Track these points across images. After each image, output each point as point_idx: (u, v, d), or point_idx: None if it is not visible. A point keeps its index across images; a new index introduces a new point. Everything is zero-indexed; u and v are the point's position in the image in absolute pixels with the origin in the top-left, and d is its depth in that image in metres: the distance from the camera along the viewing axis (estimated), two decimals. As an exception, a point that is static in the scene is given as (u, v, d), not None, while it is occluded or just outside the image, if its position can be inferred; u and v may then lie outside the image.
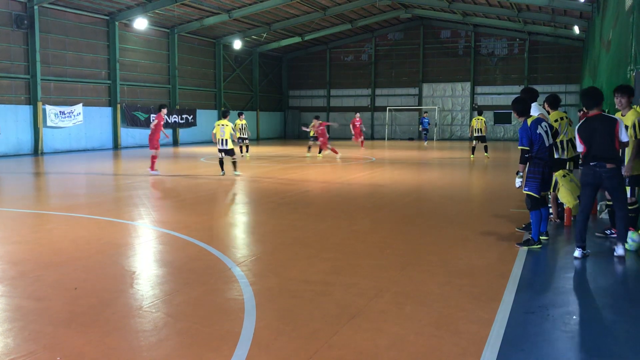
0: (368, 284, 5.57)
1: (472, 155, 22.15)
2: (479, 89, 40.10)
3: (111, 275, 6.00)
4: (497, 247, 7.22)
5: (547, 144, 7.15)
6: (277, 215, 9.83)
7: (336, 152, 22.25)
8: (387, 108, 41.55)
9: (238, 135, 21.99)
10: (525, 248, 7.05)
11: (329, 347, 4.05)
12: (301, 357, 3.87)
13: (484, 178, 16.23)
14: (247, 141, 23.34)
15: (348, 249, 7.13)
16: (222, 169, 15.99)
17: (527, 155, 7.12)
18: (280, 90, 45.04)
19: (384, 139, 41.15)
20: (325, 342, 4.13)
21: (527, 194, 7.21)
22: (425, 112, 37.80)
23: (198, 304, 5.03)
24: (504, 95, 39.28)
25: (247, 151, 23.29)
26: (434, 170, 18.46)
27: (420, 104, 41.12)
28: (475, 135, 21.78)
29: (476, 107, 39.68)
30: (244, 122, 22.98)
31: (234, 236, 8.27)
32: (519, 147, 7.16)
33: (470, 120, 38.21)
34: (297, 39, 39.19)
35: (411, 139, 40.05)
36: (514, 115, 7.42)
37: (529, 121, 7.16)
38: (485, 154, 22.08)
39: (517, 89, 38.83)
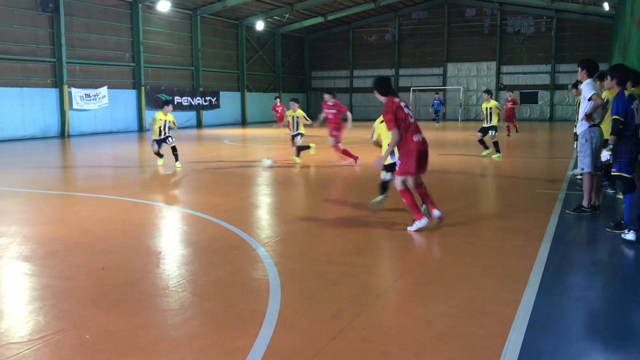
0: (392, 265, 5.55)
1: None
2: (504, 69, 39.47)
3: (137, 256, 6.07)
4: (524, 229, 7.13)
5: (636, 122, 6.65)
6: (301, 196, 9.84)
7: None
8: (411, 88, 41.15)
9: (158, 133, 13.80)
10: (571, 216, 6.92)
11: (353, 327, 4.05)
12: (325, 337, 3.88)
13: (509, 159, 16.01)
14: (170, 140, 13.71)
15: (372, 230, 7.10)
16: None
17: (621, 127, 6.55)
18: (302, 72, 44.87)
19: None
20: (350, 323, 4.13)
21: (617, 176, 6.63)
22: (437, 92, 36.94)
23: (223, 283, 5.07)
24: (530, 74, 38.62)
25: (176, 160, 13.71)
26: (458, 150, 18.26)
27: (444, 84, 40.64)
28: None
29: (502, 86, 39.10)
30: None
31: (258, 217, 8.30)
32: (613, 117, 6.61)
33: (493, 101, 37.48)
34: (319, 19, 38.90)
35: (435, 119, 39.70)
36: (607, 83, 6.93)
37: (626, 93, 6.68)
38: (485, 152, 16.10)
39: (544, 67, 38.17)
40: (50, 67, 24.83)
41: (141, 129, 29.28)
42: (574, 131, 10.82)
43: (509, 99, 25.35)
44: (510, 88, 38.52)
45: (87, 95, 26.03)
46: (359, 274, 5.34)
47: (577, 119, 8.26)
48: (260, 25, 36.17)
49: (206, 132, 28.86)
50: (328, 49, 44.31)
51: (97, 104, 26.60)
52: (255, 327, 4.02)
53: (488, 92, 16.00)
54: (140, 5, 28.45)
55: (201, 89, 33.26)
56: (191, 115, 32.97)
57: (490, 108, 15.58)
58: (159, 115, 13.57)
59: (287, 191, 10.40)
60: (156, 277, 5.31)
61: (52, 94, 24.88)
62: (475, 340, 3.84)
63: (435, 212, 6.97)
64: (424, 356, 3.61)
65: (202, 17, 33.11)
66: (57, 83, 25.02)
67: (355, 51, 43.42)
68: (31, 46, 23.90)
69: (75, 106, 25.55)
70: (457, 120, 39.12)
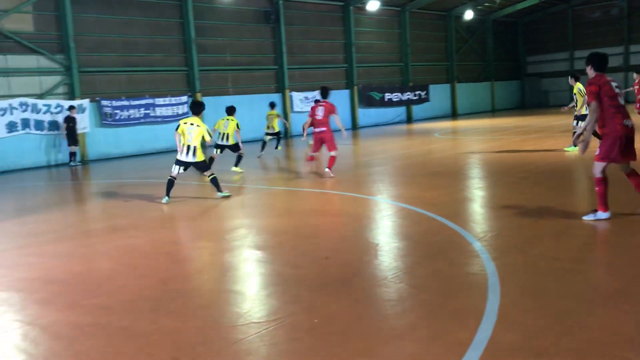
0: (624, 263, 5.05)
1: None
2: None
3: (357, 247, 6.38)
4: None
5: None
6: (518, 189, 9.41)
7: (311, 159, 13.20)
8: (644, 66, 36.59)
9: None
10: None
11: (582, 327, 3.79)
12: (551, 335, 3.68)
13: None
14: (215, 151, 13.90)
15: (599, 226, 6.51)
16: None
17: None
18: (516, 58, 42.60)
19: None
20: (578, 322, 3.86)
21: None
22: (638, 72, 31.24)
23: (440, 276, 5.09)
24: None
25: (237, 163, 14.14)
26: None
27: (688, 58, 35.40)
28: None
29: None
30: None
31: (472, 211, 8.14)
32: None
33: None
34: (534, 1, 36.56)
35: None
36: None
37: None
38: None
39: None
40: (274, 74, 27.08)
41: (354, 126, 30.50)
42: None
43: (636, 81, 18.89)
44: None
45: (306, 98, 27.86)
46: (586, 272, 4.96)
47: None
48: (469, 14, 35.22)
49: (416, 126, 29.02)
50: (544, 31, 41.41)
51: (314, 105, 28.33)
52: (475, 322, 3.97)
53: (573, 75, 13.86)
54: (351, 7, 29.62)
55: (411, 84, 33.48)
56: (401, 110, 33.38)
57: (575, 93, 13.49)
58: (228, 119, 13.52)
59: (502, 184, 10.02)
60: (375, 268, 5.53)
61: (275, 99, 27.07)
62: None
63: None
64: (669, 365, 3.24)
65: (411, 12, 33.29)
66: (280, 88, 27.21)
67: (576, 31, 39.91)
68: (257, 56, 26.31)
69: (295, 109, 27.53)
70: None
